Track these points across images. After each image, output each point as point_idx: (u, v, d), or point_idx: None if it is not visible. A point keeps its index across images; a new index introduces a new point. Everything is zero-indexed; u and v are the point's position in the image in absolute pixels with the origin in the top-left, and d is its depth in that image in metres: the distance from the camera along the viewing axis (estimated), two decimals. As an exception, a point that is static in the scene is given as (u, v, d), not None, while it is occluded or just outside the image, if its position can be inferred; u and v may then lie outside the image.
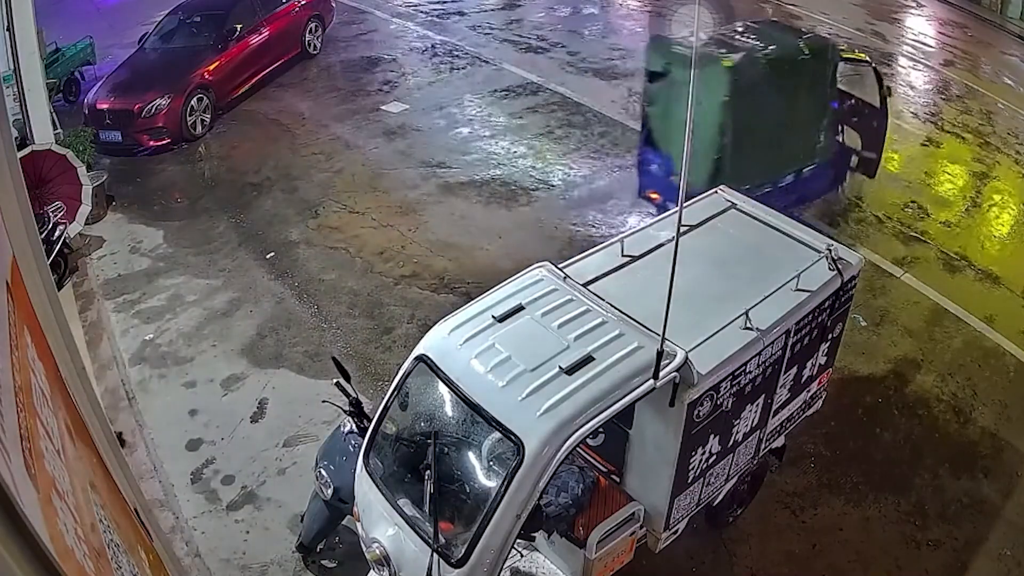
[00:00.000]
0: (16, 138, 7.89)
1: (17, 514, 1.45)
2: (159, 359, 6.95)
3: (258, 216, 8.93)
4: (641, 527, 4.52)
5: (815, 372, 5.18)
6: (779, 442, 5.36)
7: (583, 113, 11.09)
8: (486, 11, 15.06)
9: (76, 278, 8.01)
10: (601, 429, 3.99)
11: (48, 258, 7.09)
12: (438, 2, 15.28)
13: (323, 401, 5.33)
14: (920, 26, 16.28)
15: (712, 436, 4.42)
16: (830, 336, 5.11)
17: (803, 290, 4.65)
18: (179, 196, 9.43)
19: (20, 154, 7.49)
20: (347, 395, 4.89)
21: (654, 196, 7.67)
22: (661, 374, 3.80)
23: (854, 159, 8.64)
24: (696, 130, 6.63)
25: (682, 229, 3.72)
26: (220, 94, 10.87)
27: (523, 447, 3.61)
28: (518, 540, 4.03)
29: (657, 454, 4.33)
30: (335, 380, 4.95)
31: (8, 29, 8.35)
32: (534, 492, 3.65)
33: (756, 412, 4.73)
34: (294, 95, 11.70)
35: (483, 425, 3.90)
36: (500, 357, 3.94)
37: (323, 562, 5.17)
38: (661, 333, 3.64)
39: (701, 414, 4.19)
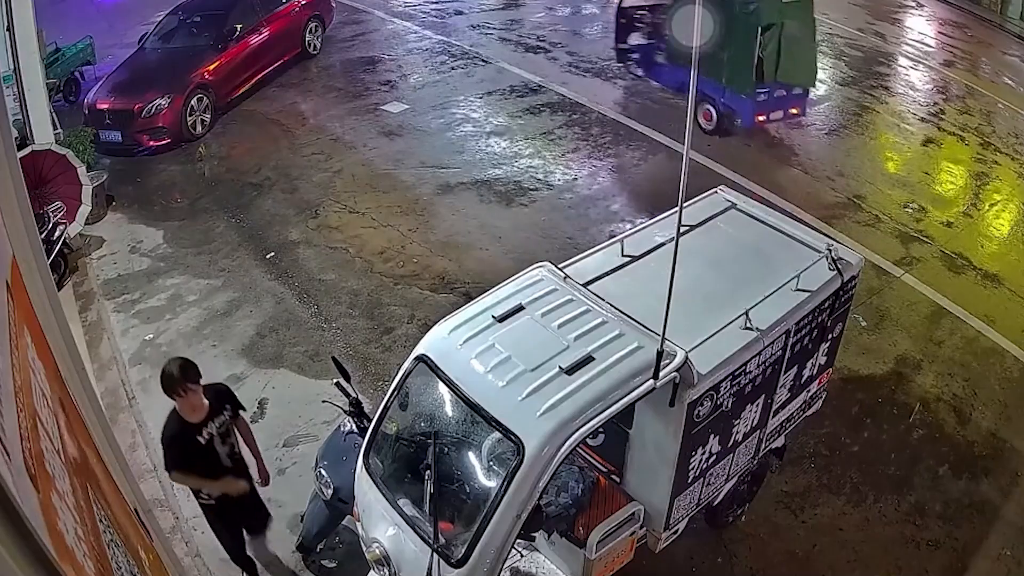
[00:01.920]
0: (16, 138, 7.88)
1: (17, 514, 1.45)
2: (159, 359, 6.93)
3: (258, 216, 8.93)
4: (641, 527, 4.52)
5: (815, 372, 5.18)
6: (779, 442, 5.36)
7: (583, 113, 11.09)
8: (486, 11, 15.06)
9: (76, 278, 8.02)
10: (601, 429, 3.98)
11: (48, 258, 7.09)
12: (438, 2, 15.28)
13: (323, 401, 5.32)
14: (920, 26, 16.28)
15: (712, 436, 4.42)
16: (830, 336, 5.11)
17: (803, 290, 4.65)
18: (179, 196, 9.43)
19: (20, 154, 7.49)
20: (347, 395, 4.89)
21: (762, 119, 10.15)
22: (661, 374, 3.79)
23: None
24: (804, 41, 9.75)
25: (682, 229, 3.72)
26: (220, 94, 10.87)
27: (523, 447, 3.61)
28: (518, 540, 4.03)
29: (657, 454, 4.33)
30: (335, 380, 4.95)
31: (8, 29, 8.35)
32: (534, 492, 3.65)
33: (756, 412, 4.73)
34: (294, 95, 11.70)
35: (483, 425, 3.90)
36: (500, 357, 3.94)
37: (323, 562, 5.18)
38: (661, 333, 3.64)
39: (701, 414, 4.19)
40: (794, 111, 10.42)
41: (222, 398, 4.53)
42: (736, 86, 9.93)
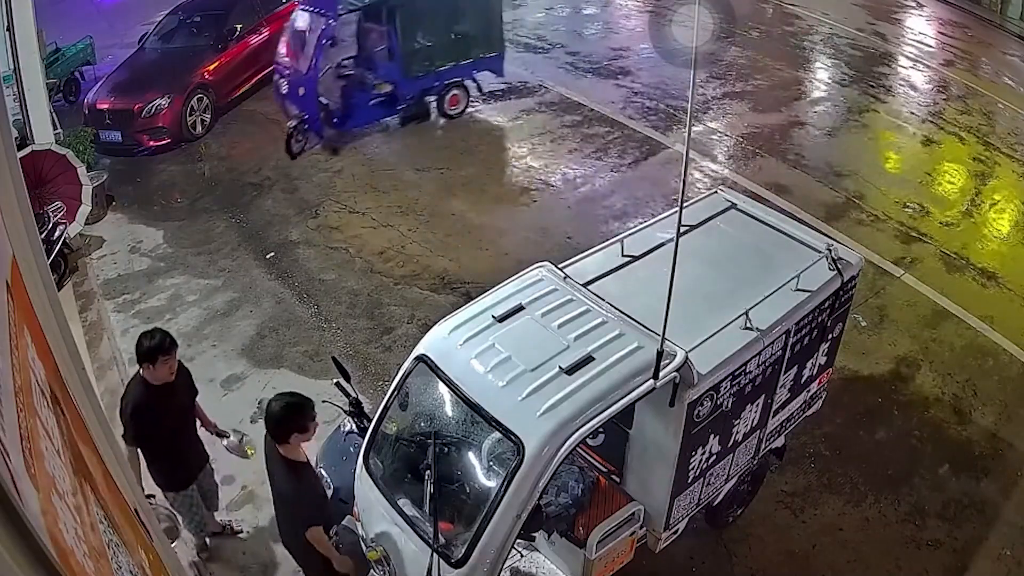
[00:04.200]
0: (16, 138, 7.89)
1: (17, 514, 1.45)
2: (159, 359, 6.94)
3: (258, 216, 8.93)
4: (641, 527, 4.52)
5: (815, 372, 5.18)
6: (779, 442, 5.36)
7: (583, 113, 11.09)
8: (486, 11, 15.03)
9: (76, 278, 8.02)
10: (601, 429, 3.98)
11: (48, 258, 7.09)
12: (438, 2, 15.26)
13: (323, 401, 5.31)
14: (920, 26, 16.28)
15: (712, 436, 4.42)
16: (830, 336, 5.11)
17: (803, 290, 4.65)
18: (179, 196, 9.44)
19: (20, 154, 7.49)
20: (347, 395, 4.89)
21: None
22: (661, 374, 3.79)
23: None
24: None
25: (682, 229, 3.72)
26: (220, 94, 10.87)
27: (523, 447, 3.61)
28: (518, 540, 4.03)
29: (657, 454, 4.33)
30: (335, 380, 4.95)
31: (8, 29, 8.36)
32: (534, 492, 3.64)
33: (756, 412, 4.73)
34: (294, 95, 11.68)
35: (483, 425, 3.90)
36: (500, 357, 3.94)
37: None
38: (661, 333, 3.64)
39: (701, 414, 4.19)
40: None
41: None
42: (490, 48, 11.08)
